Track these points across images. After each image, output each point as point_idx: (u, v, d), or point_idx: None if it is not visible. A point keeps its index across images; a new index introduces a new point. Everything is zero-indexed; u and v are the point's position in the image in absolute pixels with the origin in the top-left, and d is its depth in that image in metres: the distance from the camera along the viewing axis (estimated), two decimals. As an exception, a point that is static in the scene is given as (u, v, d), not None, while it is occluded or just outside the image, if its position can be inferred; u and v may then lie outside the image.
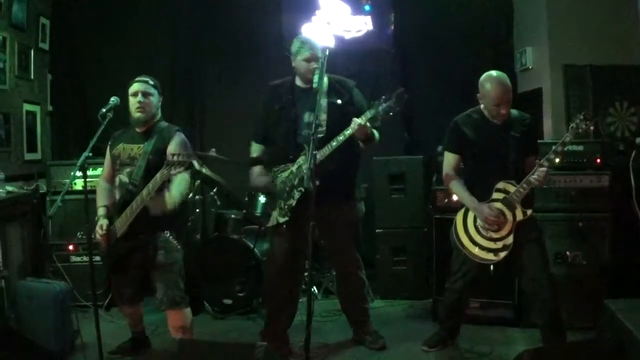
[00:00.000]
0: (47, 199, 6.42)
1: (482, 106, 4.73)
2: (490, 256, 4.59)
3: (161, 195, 4.45)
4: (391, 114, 4.40)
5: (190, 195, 6.50)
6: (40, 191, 6.60)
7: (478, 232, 4.66)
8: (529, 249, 4.57)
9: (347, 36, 7.50)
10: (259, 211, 6.40)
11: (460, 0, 7.47)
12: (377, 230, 6.67)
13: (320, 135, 4.56)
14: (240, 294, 6.16)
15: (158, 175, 4.30)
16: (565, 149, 4.50)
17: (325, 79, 4.93)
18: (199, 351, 3.82)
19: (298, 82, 5.05)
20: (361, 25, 7.51)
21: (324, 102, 4.84)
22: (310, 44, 4.94)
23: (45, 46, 7.45)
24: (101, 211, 4.76)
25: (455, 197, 5.12)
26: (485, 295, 5.61)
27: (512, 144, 4.59)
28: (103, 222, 4.66)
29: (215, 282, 6.20)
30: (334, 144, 4.58)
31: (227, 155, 6.32)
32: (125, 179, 4.67)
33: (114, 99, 4.54)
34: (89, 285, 4.55)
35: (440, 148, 5.28)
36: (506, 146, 4.59)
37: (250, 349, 3.64)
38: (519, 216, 4.52)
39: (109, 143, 4.91)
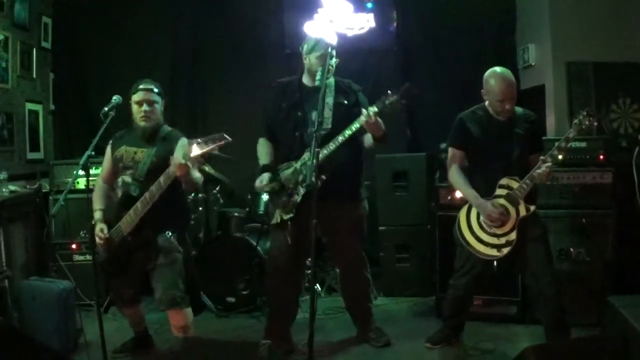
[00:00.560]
0: (50, 198, 6.41)
1: (486, 103, 4.73)
2: (494, 252, 4.58)
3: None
4: (399, 107, 4.41)
5: (193, 193, 6.51)
6: (43, 190, 6.61)
7: (481, 228, 4.65)
8: (533, 246, 4.57)
9: (350, 34, 7.49)
10: (262, 209, 6.39)
11: (462, -2, 7.48)
12: (380, 228, 6.67)
13: (324, 132, 4.58)
14: (244, 292, 6.16)
15: (170, 169, 4.27)
16: (569, 145, 4.49)
17: (332, 80, 4.96)
18: (202, 349, 3.82)
19: (306, 80, 5.04)
20: (363, 23, 7.50)
21: (330, 100, 4.86)
22: (324, 41, 4.93)
23: (48, 45, 7.47)
24: (98, 215, 4.74)
25: (458, 194, 5.12)
26: (489, 292, 5.60)
27: (516, 141, 4.59)
28: (102, 226, 4.64)
29: (218, 280, 6.20)
30: (341, 138, 4.59)
31: (229, 153, 6.32)
32: (128, 179, 4.66)
33: (116, 98, 4.52)
34: (92, 284, 4.54)
35: (443, 145, 5.28)
36: (510, 143, 4.59)
37: (253, 347, 3.64)
38: (523, 212, 4.52)
39: (110, 143, 4.89)
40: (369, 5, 7.51)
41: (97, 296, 4.40)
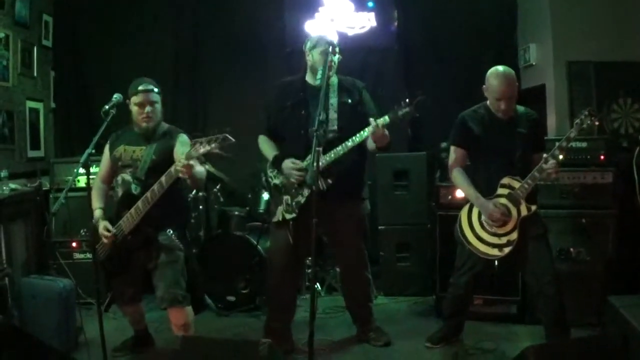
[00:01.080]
0: (51, 196, 6.41)
1: (488, 101, 4.73)
2: (495, 252, 4.58)
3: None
4: (410, 118, 4.42)
5: (194, 192, 6.51)
6: (44, 188, 6.62)
7: (483, 228, 4.65)
8: (534, 245, 4.57)
9: (351, 33, 7.49)
10: (262, 208, 6.39)
11: (463, -3, 7.48)
12: (380, 227, 6.67)
13: (331, 135, 4.63)
14: (244, 291, 6.16)
15: (172, 168, 4.27)
16: (569, 145, 4.49)
17: (335, 79, 4.97)
18: (202, 348, 3.82)
19: (309, 79, 5.03)
20: (364, 22, 7.51)
21: (334, 100, 4.87)
22: (325, 38, 4.94)
23: (48, 43, 7.48)
24: (98, 213, 4.73)
25: (458, 193, 5.12)
26: (490, 292, 5.61)
27: (518, 140, 4.59)
28: (106, 223, 4.64)
29: (218, 279, 6.20)
30: (349, 144, 4.60)
31: (231, 152, 6.31)
32: (128, 177, 4.66)
33: (116, 96, 4.51)
34: (92, 283, 4.54)
35: (443, 144, 5.28)
36: (512, 142, 4.59)
37: (254, 345, 3.64)
38: (524, 212, 4.51)
39: (108, 143, 4.89)
40: (370, 4, 7.51)
41: (97, 294, 4.40)
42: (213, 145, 4.00)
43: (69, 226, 6.37)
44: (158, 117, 4.74)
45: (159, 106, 4.72)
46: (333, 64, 4.78)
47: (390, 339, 5.28)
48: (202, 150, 4.03)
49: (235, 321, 5.99)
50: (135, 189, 4.54)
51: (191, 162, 4.11)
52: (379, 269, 6.64)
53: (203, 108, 7.80)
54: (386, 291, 6.66)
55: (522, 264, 4.66)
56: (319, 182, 4.34)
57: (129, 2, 7.68)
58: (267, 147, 5.14)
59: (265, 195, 6.34)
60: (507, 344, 5.10)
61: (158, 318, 5.55)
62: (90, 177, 4.33)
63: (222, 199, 6.89)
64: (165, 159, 4.42)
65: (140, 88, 4.61)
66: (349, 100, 4.90)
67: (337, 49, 4.80)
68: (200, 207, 6.79)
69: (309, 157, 4.75)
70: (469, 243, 4.70)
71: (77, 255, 6.34)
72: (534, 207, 4.54)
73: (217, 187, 6.81)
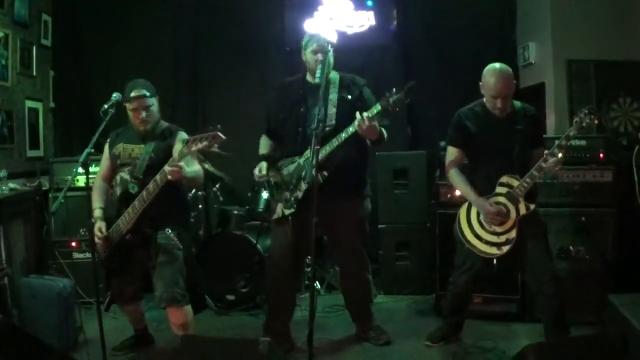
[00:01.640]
0: (50, 195, 6.41)
1: (484, 98, 4.71)
2: (494, 250, 4.58)
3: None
4: (402, 106, 4.39)
5: (193, 191, 6.51)
6: (43, 188, 6.62)
7: (481, 226, 4.65)
8: (533, 244, 4.56)
9: (350, 32, 7.49)
10: (261, 207, 6.39)
11: (462, -4, 7.49)
12: (380, 226, 6.66)
13: (328, 129, 4.62)
14: (244, 290, 6.16)
15: (166, 167, 4.29)
16: (569, 143, 4.48)
17: (336, 75, 4.98)
18: (202, 347, 3.82)
19: (309, 78, 5.03)
20: (364, 20, 7.50)
21: (334, 96, 4.87)
22: (317, 36, 4.95)
23: (48, 43, 7.47)
24: (98, 213, 4.74)
25: (458, 192, 5.11)
26: (489, 290, 5.61)
27: (516, 137, 4.56)
28: (101, 224, 4.65)
29: (218, 278, 6.20)
30: (335, 142, 4.59)
31: (230, 151, 6.32)
32: (126, 176, 4.68)
33: (115, 95, 4.52)
34: (92, 282, 4.54)
35: (443, 143, 5.27)
36: (510, 139, 4.56)
37: (253, 344, 3.64)
38: (522, 210, 4.51)
39: (108, 142, 4.91)
40: (369, 3, 7.51)
41: (96, 294, 4.40)
42: (205, 142, 4.06)
43: (68, 226, 6.37)
44: (155, 119, 4.75)
45: (154, 108, 4.73)
46: (328, 63, 4.76)
47: (389, 338, 5.28)
48: (194, 148, 4.10)
49: (234, 320, 5.99)
50: (132, 188, 4.54)
51: (181, 163, 4.16)
52: (379, 267, 6.64)
53: (203, 107, 7.79)
54: (386, 290, 6.65)
55: (521, 262, 4.65)
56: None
57: (129, 1, 7.68)
58: (262, 145, 5.20)
59: (265, 194, 6.35)
60: (506, 343, 5.09)
61: (158, 317, 5.56)
62: (90, 176, 4.33)
63: (221, 198, 6.89)
64: (164, 158, 4.42)
65: (132, 95, 4.60)
66: (349, 97, 4.90)
67: (328, 47, 4.79)
68: (200, 206, 6.80)
69: (306, 153, 4.76)
70: (468, 242, 4.70)
71: (77, 255, 6.35)
72: (532, 206, 4.53)
73: (217, 186, 6.81)
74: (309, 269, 6.00)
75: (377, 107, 4.41)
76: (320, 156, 4.41)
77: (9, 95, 6.60)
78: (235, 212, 6.58)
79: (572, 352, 3.72)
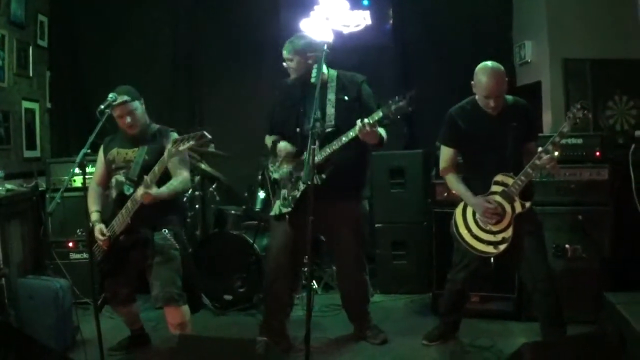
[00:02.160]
0: (47, 196, 6.41)
1: (476, 96, 4.69)
2: (490, 249, 4.58)
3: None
4: (403, 114, 4.38)
5: (190, 191, 6.51)
6: (40, 188, 6.61)
7: (477, 225, 4.65)
8: (528, 242, 4.56)
9: (346, 31, 7.50)
10: (258, 206, 6.40)
11: (458, -6, 7.49)
12: (376, 225, 6.67)
13: (329, 130, 4.65)
14: (241, 290, 6.17)
15: (156, 166, 4.32)
16: (564, 141, 4.48)
17: (335, 74, 4.98)
18: (199, 347, 3.82)
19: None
20: (360, 20, 7.51)
21: (332, 96, 4.87)
22: (287, 44, 4.98)
23: (44, 43, 7.46)
24: (95, 216, 4.75)
25: (454, 191, 5.11)
26: (486, 289, 5.62)
27: (509, 134, 4.53)
28: (101, 226, 4.66)
29: (215, 278, 6.20)
30: (335, 146, 4.59)
31: (226, 151, 6.32)
32: (121, 178, 4.69)
33: (112, 96, 4.52)
34: (89, 282, 4.54)
35: (438, 142, 5.27)
36: (503, 137, 4.53)
37: (251, 344, 3.64)
38: (518, 209, 4.50)
39: (102, 147, 4.94)
40: (365, 2, 7.52)
41: (93, 294, 4.39)
42: (192, 142, 4.14)
43: (65, 226, 6.37)
44: (142, 122, 4.80)
45: (139, 111, 4.76)
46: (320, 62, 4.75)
47: (386, 337, 5.29)
48: (181, 147, 4.18)
49: (232, 320, 6.00)
50: (127, 190, 4.55)
51: (150, 191, 4.31)
52: (376, 267, 6.64)
53: (200, 107, 7.80)
54: (383, 289, 6.66)
55: (517, 260, 4.65)
56: (314, 177, 4.33)
57: (125, 2, 7.68)
58: (269, 140, 5.18)
59: (262, 194, 6.36)
60: (503, 341, 5.10)
61: (155, 317, 5.57)
62: (86, 176, 4.33)
63: (218, 198, 6.90)
64: (158, 159, 4.43)
65: (115, 103, 4.58)
66: (346, 97, 4.89)
67: (286, 53, 4.83)
68: (197, 206, 6.81)
69: (305, 153, 4.76)
70: (465, 241, 4.70)
71: (74, 255, 6.35)
72: (528, 204, 4.52)
73: (214, 186, 6.82)
74: (306, 269, 6.01)
75: (378, 114, 4.39)
76: (319, 158, 4.42)
77: (6, 96, 6.59)
78: (232, 212, 6.59)
79: (569, 351, 3.72)
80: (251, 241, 6.14)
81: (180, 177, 4.67)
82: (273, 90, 5.41)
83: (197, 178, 6.62)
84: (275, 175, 5.04)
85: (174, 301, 4.56)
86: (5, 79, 6.56)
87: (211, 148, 6.09)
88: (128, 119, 4.67)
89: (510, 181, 4.49)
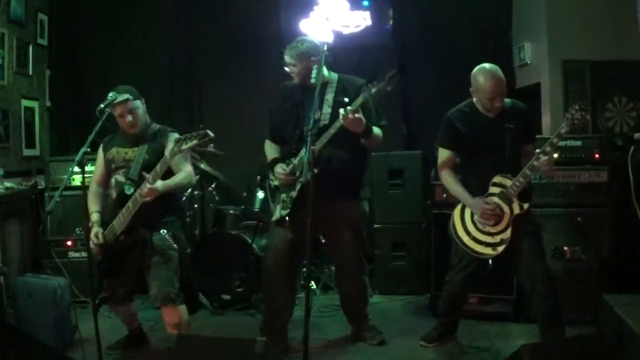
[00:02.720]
0: (46, 194, 6.41)
1: (474, 99, 4.69)
2: (489, 250, 4.58)
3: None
4: (383, 94, 4.39)
5: (189, 191, 6.51)
6: (39, 187, 6.62)
7: (476, 227, 4.65)
8: (527, 243, 4.56)
9: (346, 32, 7.50)
10: (257, 206, 6.40)
11: (458, -5, 7.49)
12: (375, 226, 6.65)
13: (321, 127, 4.60)
14: (239, 290, 6.17)
15: (158, 166, 4.31)
16: (563, 143, 4.49)
17: (335, 76, 4.99)
18: (197, 346, 3.82)
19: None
20: (360, 20, 7.51)
21: (330, 96, 4.87)
22: (289, 49, 4.98)
23: (44, 42, 7.46)
24: (95, 217, 4.74)
25: (452, 193, 5.11)
26: (484, 290, 5.62)
27: (507, 136, 4.54)
28: (97, 229, 4.65)
29: (214, 278, 6.20)
30: (324, 139, 4.60)
31: (226, 151, 6.32)
32: (121, 178, 4.69)
33: (112, 95, 4.51)
34: (87, 281, 4.54)
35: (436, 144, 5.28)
36: (501, 139, 4.54)
37: (249, 344, 3.64)
38: (516, 210, 4.50)
39: (101, 146, 4.92)
40: (365, 2, 7.52)
41: (92, 293, 4.39)
42: (195, 141, 4.11)
43: (64, 225, 6.38)
44: (142, 121, 4.77)
45: (140, 111, 4.74)
46: (324, 61, 4.75)
47: (384, 338, 5.28)
48: (184, 146, 4.15)
49: (230, 320, 6.00)
50: (128, 190, 4.54)
51: (156, 185, 4.28)
52: (374, 267, 6.63)
53: (199, 107, 7.80)
54: (381, 290, 6.66)
55: (515, 262, 4.65)
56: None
57: (125, 1, 7.68)
58: (269, 152, 5.18)
59: (261, 194, 6.36)
60: (502, 343, 5.10)
61: (153, 317, 5.56)
62: (86, 175, 4.32)
63: (217, 198, 6.90)
64: (158, 158, 4.41)
65: (115, 102, 4.57)
66: (345, 100, 4.89)
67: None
68: (196, 205, 6.81)
69: (300, 153, 4.77)
70: (463, 243, 4.70)
71: (72, 254, 6.35)
72: (526, 205, 4.52)
73: (213, 185, 6.82)
74: (304, 269, 6.00)
75: (359, 100, 4.45)
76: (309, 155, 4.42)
77: (5, 94, 6.59)
78: (231, 211, 6.58)
79: (567, 352, 3.73)
80: (250, 241, 6.13)
81: (185, 172, 4.64)
82: (274, 92, 5.39)
83: (196, 177, 6.61)
84: (276, 183, 5.03)
85: (172, 301, 4.56)
86: (5, 78, 6.56)
87: (211, 148, 6.09)
88: (129, 118, 4.65)
89: (508, 182, 4.50)
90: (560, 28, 6.58)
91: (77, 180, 6.08)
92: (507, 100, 4.67)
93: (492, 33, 7.45)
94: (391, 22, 7.62)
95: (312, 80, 4.73)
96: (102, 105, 4.40)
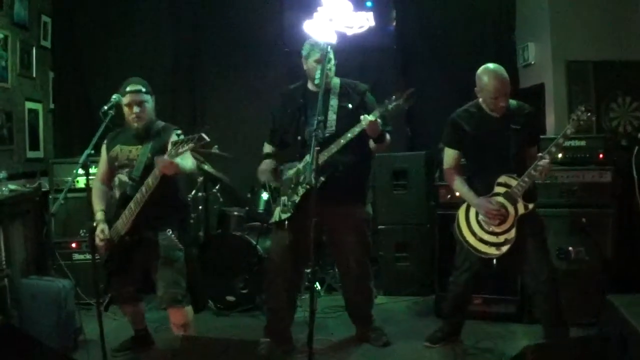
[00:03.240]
0: (50, 197, 6.42)
1: (480, 100, 4.70)
2: (493, 250, 4.58)
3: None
4: (399, 112, 4.40)
5: (193, 192, 6.52)
6: (43, 189, 6.62)
7: (480, 227, 4.65)
8: (531, 243, 4.57)
9: (349, 33, 7.47)
10: (261, 208, 6.40)
11: (461, -4, 7.49)
12: (379, 227, 6.66)
13: (328, 135, 4.61)
14: (243, 291, 6.17)
15: (156, 169, 4.30)
16: (568, 143, 4.49)
17: (337, 81, 4.98)
18: (201, 348, 3.82)
19: (310, 85, 5.06)
20: (363, 21, 7.49)
21: (334, 102, 4.88)
22: (319, 45, 4.94)
23: (47, 44, 7.47)
24: (99, 215, 4.73)
25: (458, 194, 5.11)
26: (489, 291, 5.62)
27: (512, 137, 4.55)
28: (103, 226, 4.64)
29: (218, 279, 6.21)
30: (342, 141, 4.60)
31: (230, 152, 6.32)
32: (124, 178, 4.68)
33: (115, 97, 4.52)
34: (92, 283, 4.54)
35: (441, 144, 5.27)
36: (506, 139, 4.56)
37: (253, 345, 3.64)
38: (521, 210, 4.51)
39: (105, 143, 4.90)
40: (369, 3, 7.51)
41: (96, 295, 4.39)
42: (191, 144, 4.09)
43: (68, 227, 6.38)
44: (149, 116, 4.75)
45: (148, 105, 4.74)
46: (329, 71, 4.77)
47: (389, 339, 5.28)
48: (180, 150, 4.13)
49: (234, 321, 6.00)
50: (131, 190, 4.54)
51: (174, 160, 4.23)
52: (379, 268, 6.65)
53: (202, 108, 7.79)
54: (386, 291, 6.67)
55: (519, 262, 4.65)
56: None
57: (128, 3, 7.68)
58: (265, 151, 5.21)
59: (265, 195, 6.35)
60: (505, 344, 5.11)
61: (158, 318, 5.56)
62: (90, 177, 4.33)
63: (221, 199, 6.91)
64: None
65: (127, 89, 4.63)
66: (349, 105, 4.90)
67: (331, 55, 4.80)
68: (200, 207, 6.80)
69: (306, 158, 4.78)
70: (467, 243, 4.71)
71: (77, 256, 6.35)
72: (531, 205, 4.53)
73: (217, 187, 6.82)
74: (309, 270, 6.00)
75: (374, 114, 4.45)
76: (320, 160, 4.41)
77: (9, 97, 6.59)
78: (235, 213, 6.58)
79: (571, 353, 3.72)
80: (254, 242, 6.14)
81: (184, 157, 4.61)
82: (277, 93, 5.39)
83: (200, 179, 6.61)
84: (274, 184, 5.04)
85: (178, 302, 4.58)
86: (9, 80, 6.57)
87: (214, 149, 6.09)
88: (136, 109, 4.65)
89: (513, 182, 4.50)
90: (564, 28, 6.57)
91: (81, 182, 6.08)
92: (513, 101, 4.69)
93: (496, 34, 7.44)
94: (394, 23, 7.62)
95: (316, 82, 4.73)
96: (105, 107, 4.40)
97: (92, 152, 4.21)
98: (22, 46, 6.83)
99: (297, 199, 4.83)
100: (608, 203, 5.46)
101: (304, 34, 6.88)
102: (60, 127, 7.66)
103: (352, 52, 6.91)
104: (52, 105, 7.61)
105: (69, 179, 4.84)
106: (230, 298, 6.18)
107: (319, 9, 7.42)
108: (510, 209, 4.53)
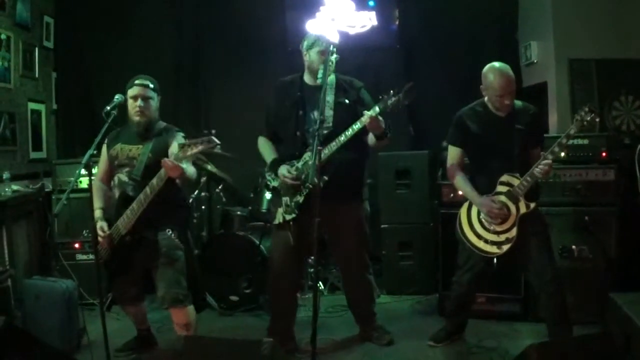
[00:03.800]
0: (53, 197, 6.43)
1: (486, 98, 4.71)
2: (494, 249, 4.58)
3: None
4: (399, 107, 4.38)
5: (196, 192, 6.52)
6: (46, 190, 6.63)
7: (482, 226, 4.65)
8: (534, 242, 4.56)
9: (352, 32, 7.49)
10: (264, 208, 6.39)
11: (464, -5, 7.48)
12: (382, 226, 6.66)
13: (325, 132, 4.56)
14: (247, 291, 6.17)
15: (162, 171, 4.29)
16: (570, 142, 4.48)
17: (333, 77, 4.96)
18: (205, 348, 3.82)
19: (307, 79, 5.03)
20: (365, 21, 7.51)
21: (330, 98, 4.85)
22: (324, 38, 4.94)
23: (50, 44, 7.48)
24: (98, 213, 4.70)
25: (461, 192, 5.11)
26: (492, 290, 5.61)
27: (516, 137, 4.56)
28: (102, 224, 4.62)
29: (221, 279, 6.21)
30: (342, 138, 4.58)
31: (232, 152, 6.31)
32: (124, 177, 4.67)
33: (118, 97, 4.51)
34: (95, 283, 4.55)
35: (445, 143, 5.27)
36: (510, 139, 4.55)
37: (256, 345, 3.64)
38: (523, 209, 4.51)
39: (106, 141, 4.88)
40: (371, 3, 7.51)
41: (100, 295, 4.39)
42: (200, 147, 4.09)
43: (71, 227, 6.39)
44: (152, 114, 4.74)
45: (153, 103, 4.74)
46: (331, 64, 4.76)
47: (392, 338, 5.28)
48: (189, 152, 4.11)
49: (237, 321, 6.00)
50: (131, 190, 4.54)
51: (180, 164, 4.19)
52: (382, 267, 6.66)
53: (205, 108, 7.81)
54: (389, 290, 6.66)
55: (523, 261, 4.65)
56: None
57: (130, 3, 7.69)
58: (265, 150, 5.15)
59: (268, 195, 6.33)
60: (509, 342, 5.10)
61: (161, 318, 5.57)
62: (92, 178, 4.33)
63: (224, 199, 6.90)
64: (162, 157, 4.41)
65: (136, 82, 4.64)
66: (346, 100, 4.88)
67: (334, 49, 4.79)
68: (203, 207, 6.81)
69: (305, 157, 4.77)
70: (469, 241, 4.71)
71: (80, 256, 6.35)
72: (533, 205, 4.52)
73: (220, 187, 6.82)
74: (312, 270, 6.00)
75: (374, 110, 4.42)
76: (322, 158, 4.40)
77: (12, 97, 6.61)
78: (238, 213, 6.57)
79: (575, 352, 3.71)
80: (257, 242, 6.14)
81: (191, 168, 4.62)
82: (271, 89, 5.36)
83: (203, 179, 6.62)
84: (275, 184, 5.01)
85: (179, 302, 4.57)
86: (11, 81, 6.58)
87: (217, 149, 6.08)
88: (141, 102, 4.64)
89: (516, 182, 4.50)
90: (566, 27, 6.57)
91: (84, 182, 6.08)
92: (518, 102, 4.69)
93: (498, 33, 7.44)
94: (397, 23, 7.61)
95: (318, 81, 4.72)
96: (108, 108, 4.40)
97: (95, 152, 4.21)
98: (25, 47, 6.84)
99: (300, 199, 4.81)
100: (611, 201, 5.45)
101: (307, 33, 6.88)
102: (63, 127, 7.67)
103: (354, 51, 6.91)
104: (54, 106, 7.62)
105: (72, 179, 4.83)
106: (234, 298, 6.18)
107: (321, 8, 7.44)
108: (512, 208, 4.53)
